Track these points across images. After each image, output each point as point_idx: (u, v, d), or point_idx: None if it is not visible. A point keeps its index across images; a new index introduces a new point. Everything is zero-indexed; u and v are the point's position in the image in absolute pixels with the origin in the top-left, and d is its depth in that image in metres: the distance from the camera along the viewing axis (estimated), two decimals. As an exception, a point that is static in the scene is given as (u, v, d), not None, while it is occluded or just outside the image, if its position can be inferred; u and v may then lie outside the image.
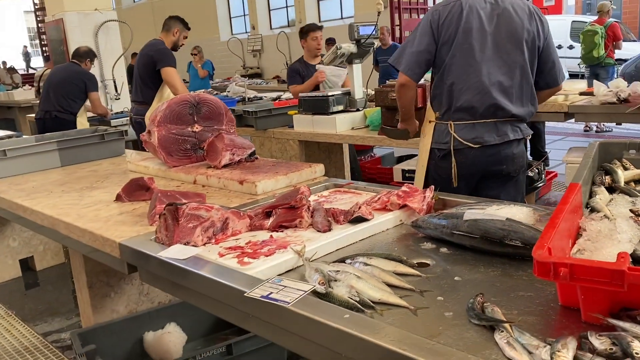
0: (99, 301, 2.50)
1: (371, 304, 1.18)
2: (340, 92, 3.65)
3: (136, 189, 2.12)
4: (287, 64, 11.93)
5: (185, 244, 1.55)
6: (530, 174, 3.24)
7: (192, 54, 9.26)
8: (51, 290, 3.72)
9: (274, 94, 6.43)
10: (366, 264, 1.36)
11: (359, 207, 1.69)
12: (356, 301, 1.18)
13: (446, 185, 2.27)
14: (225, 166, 2.33)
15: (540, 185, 3.28)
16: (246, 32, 14.25)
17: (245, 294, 1.19)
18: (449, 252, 1.47)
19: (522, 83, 2.29)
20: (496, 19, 2.25)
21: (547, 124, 5.87)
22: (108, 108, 5.78)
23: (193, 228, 1.58)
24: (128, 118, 4.41)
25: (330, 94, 3.59)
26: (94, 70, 5.36)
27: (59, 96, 4.88)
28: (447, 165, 2.32)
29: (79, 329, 2.58)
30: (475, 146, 2.26)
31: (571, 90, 4.08)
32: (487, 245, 1.41)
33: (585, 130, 7.75)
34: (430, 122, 2.39)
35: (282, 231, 1.66)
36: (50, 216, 2.02)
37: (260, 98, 6.05)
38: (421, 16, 14.20)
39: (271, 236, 1.62)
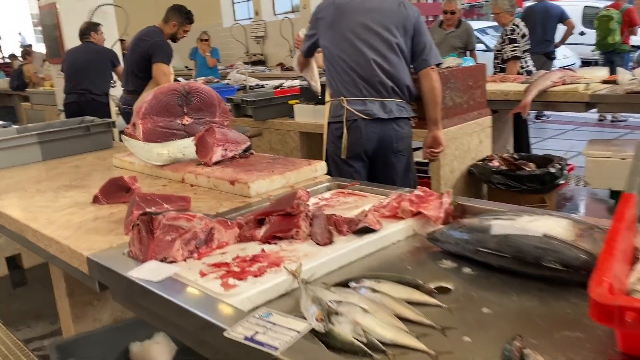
0: (80, 309, 2.28)
1: (381, 346, 0.95)
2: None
3: (116, 190, 1.89)
4: (291, 50, 11.64)
5: (162, 260, 1.33)
6: (551, 170, 2.99)
7: (200, 40, 8.88)
8: (39, 290, 3.51)
9: (277, 82, 6.17)
10: (374, 290, 1.13)
11: (365, 215, 1.46)
12: (363, 343, 0.95)
13: None
14: (216, 163, 2.10)
15: (562, 182, 3.04)
16: (249, 18, 13.93)
17: (224, 333, 0.96)
18: (474, 273, 1.23)
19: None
20: None
21: (556, 112, 5.60)
22: None
23: (171, 241, 1.35)
24: (117, 108, 4.19)
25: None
26: None
27: (93, 77, 4.80)
28: None
29: (58, 338, 2.37)
30: None
31: (592, 78, 3.82)
32: (519, 266, 1.18)
33: (599, 120, 7.47)
34: None
35: (275, 243, 1.43)
36: (17, 220, 1.79)
37: (262, 86, 5.80)
38: (430, 1, 13.87)
39: (263, 250, 1.38)
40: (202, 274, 1.27)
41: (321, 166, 2.02)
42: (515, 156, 3.26)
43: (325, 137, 2.69)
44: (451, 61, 2.92)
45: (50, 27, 6.01)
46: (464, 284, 1.19)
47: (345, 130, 2.53)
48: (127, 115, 4.05)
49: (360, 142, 2.53)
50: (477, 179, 3.16)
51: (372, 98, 2.51)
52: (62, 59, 5.88)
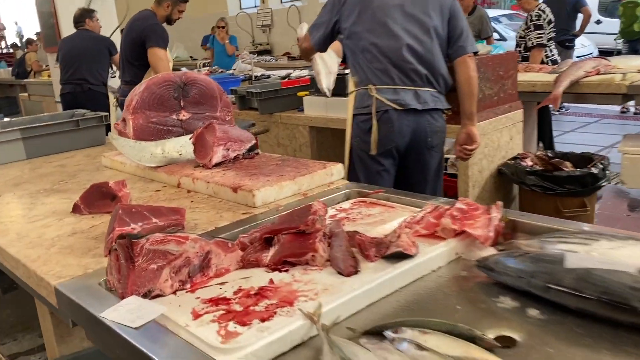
0: (65, 330, 2.02)
1: None
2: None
3: (99, 198, 1.62)
4: (298, 40, 11.33)
5: (145, 294, 1.06)
6: (593, 170, 2.69)
7: (218, 27, 8.60)
8: (30, 296, 3.26)
9: (284, 72, 5.88)
10: (420, 346, 0.86)
11: (398, 236, 1.18)
12: None
13: None
14: (217, 165, 1.83)
15: (604, 183, 2.74)
16: (255, 7, 13.59)
17: (220, 421, 0.69)
18: (543, 317, 0.96)
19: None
20: None
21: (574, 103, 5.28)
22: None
23: (157, 270, 1.08)
24: (115, 99, 3.92)
25: (347, 71, 3.05)
26: None
27: (90, 66, 4.55)
28: None
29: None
30: None
31: (627, 68, 3.51)
32: (608, 311, 0.90)
33: (622, 112, 7.14)
34: None
35: (287, 270, 1.16)
36: (-17, 234, 1.53)
37: (268, 76, 5.51)
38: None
39: (271, 280, 1.11)
40: (196, 315, 1.00)
41: (337, 169, 1.74)
42: (549, 154, 2.97)
43: (349, 131, 2.38)
44: (480, 48, 2.63)
45: (46, 15, 5.73)
46: (533, 332, 0.92)
47: (375, 122, 2.23)
48: (123, 107, 3.78)
49: (391, 135, 2.23)
50: (507, 180, 2.87)
51: (405, 87, 2.22)
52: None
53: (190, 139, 1.91)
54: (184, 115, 2.02)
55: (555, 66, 4.14)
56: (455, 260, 1.21)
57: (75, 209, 1.62)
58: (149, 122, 1.94)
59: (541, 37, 4.62)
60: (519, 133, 2.98)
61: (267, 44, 12.50)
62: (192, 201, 1.65)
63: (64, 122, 2.60)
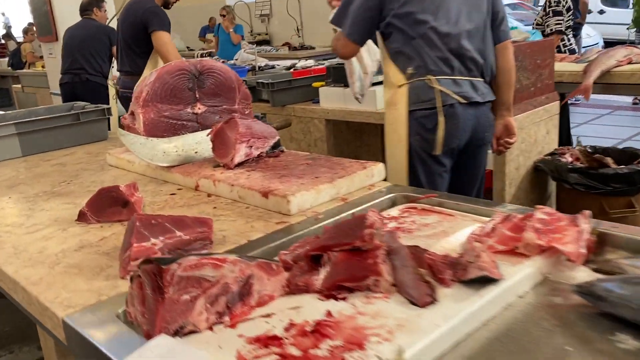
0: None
1: None
2: (380, 60, 2.89)
3: (108, 204, 1.41)
4: (298, 29, 11.10)
5: (176, 332, 0.86)
6: (641, 167, 2.49)
7: (220, 15, 8.32)
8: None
9: (287, 62, 5.65)
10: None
11: (477, 255, 0.98)
12: None
13: None
14: (239, 164, 1.62)
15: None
16: (253, -4, 13.31)
17: None
18: (683, 364, 0.76)
19: None
20: None
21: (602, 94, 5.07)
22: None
23: (191, 301, 0.87)
24: (115, 92, 3.69)
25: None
26: None
27: (88, 56, 4.34)
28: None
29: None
30: None
31: (661, 57, 3.31)
32: None
33: (634, 104, 6.96)
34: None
35: (344, 298, 0.95)
36: (-25, 248, 1.32)
37: (273, 67, 5.29)
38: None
39: (329, 312, 0.91)
40: (241, 360, 0.80)
41: (378, 170, 1.54)
42: (589, 149, 2.77)
43: (404, 129, 2.01)
44: (516, 34, 2.41)
45: (39, 2, 5.47)
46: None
47: (442, 119, 1.96)
48: (125, 100, 3.56)
49: (456, 132, 1.99)
50: (543, 177, 2.66)
51: (463, 77, 1.98)
52: (53, 37, 5.39)
53: (208, 135, 1.70)
54: (199, 108, 1.82)
55: (578, 55, 3.94)
56: (541, 282, 1.01)
57: (81, 217, 1.41)
58: (161, 116, 1.73)
59: (560, 24, 4.42)
60: (555, 127, 2.78)
61: (266, 34, 12.22)
62: (214, 207, 1.44)
63: (63, 115, 2.38)
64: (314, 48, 9.32)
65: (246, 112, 1.94)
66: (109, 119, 2.49)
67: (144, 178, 1.78)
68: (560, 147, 2.77)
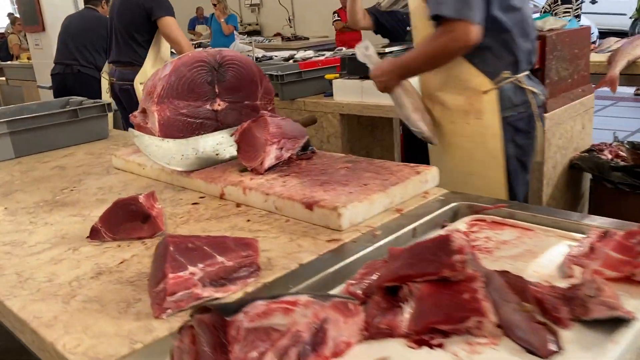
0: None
1: None
2: (400, 48, 2.70)
3: (126, 218, 1.21)
4: (289, 19, 10.85)
5: (241, 398, 0.67)
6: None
7: (213, 4, 8.05)
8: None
9: (285, 53, 5.43)
10: None
11: (598, 288, 0.80)
12: None
13: None
14: (269, 169, 1.43)
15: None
16: (243, -15, 12.99)
17: None
18: None
19: None
20: None
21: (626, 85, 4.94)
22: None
23: (259, 357, 0.68)
24: (109, 85, 3.45)
25: (388, 50, 2.64)
26: None
27: (81, 47, 4.08)
28: None
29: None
30: None
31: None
32: None
33: (635, 95, 6.85)
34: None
35: (440, 345, 0.77)
36: (-31, 274, 1.12)
37: (270, 58, 5.07)
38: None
39: (427, 365, 0.73)
40: None
41: (432, 175, 1.35)
42: (627, 145, 2.61)
43: (499, 137, 1.68)
44: (552, 22, 2.24)
45: (25, -11, 5.20)
46: None
47: (539, 123, 1.71)
48: (124, 93, 3.33)
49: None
50: (577, 175, 2.49)
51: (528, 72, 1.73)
52: (39, 26, 5.13)
53: (232, 135, 1.50)
54: (219, 105, 1.62)
55: (595, 45, 3.78)
56: (668, 318, 0.84)
57: (94, 234, 1.21)
58: (178, 113, 1.53)
59: (569, 12, 4.27)
60: (591, 121, 2.61)
61: (257, 24, 11.96)
62: (248, 220, 1.25)
63: (60, 112, 2.17)
64: (307, 38, 9.09)
65: (269, 109, 1.74)
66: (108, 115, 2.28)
67: (158, 184, 1.58)
68: (598, 144, 2.61)
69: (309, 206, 1.19)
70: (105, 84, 3.61)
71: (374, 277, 0.92)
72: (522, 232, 1.11)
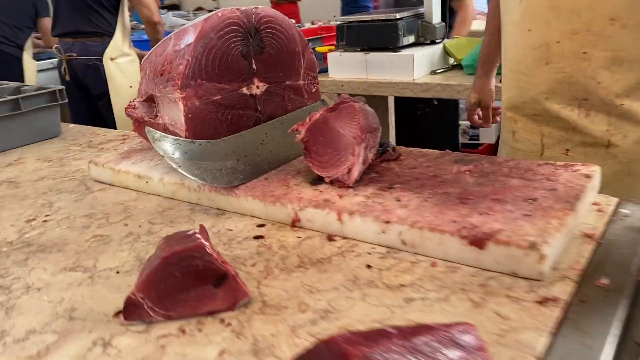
0: None
1: None
2: (410, 14, 2.29)
3: (186, 281, 0.73)
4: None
5: None
6: None
7: None
8: None
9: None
10: None
11: None
12: None
13: None
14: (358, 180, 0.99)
15: None
16: (155, -44, 11.97)
17: None
18: None
19: None
20: None
21: None
22: None
23: None
24: (62, 62, 2.78)
25: (398, 16, 2.22)
26: None
27: (1, 24, 3.40)
28: None
29: None
30: None
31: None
32: None
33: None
34: None
35: None
36: None
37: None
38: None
39: None
40: None
41: (597, 176, 0.97)
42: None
43: None
44: None
45: None
46: None
47: None
48: (91, 71, 2.71)
49: None
50: None
51: None
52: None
53: (291, 131, 1.04)
54: (257, 87, 1.14)
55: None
56: None
57: (132, 311, 0.72)
58: (210, 102, 1.04)
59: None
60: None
61: (175, -2, 11.06)
62: (368, 266, 0.81)
63: (-5, 103, 1.58)
64: (236, 12, 8.45)
65: (313, 91, 1.28)
66: (60, 106, 1.72)
67: (176, 204, 1.09)
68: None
69: (479, 243, 0.77)
70: (32, 65, 2.94)
71: None
72: None
